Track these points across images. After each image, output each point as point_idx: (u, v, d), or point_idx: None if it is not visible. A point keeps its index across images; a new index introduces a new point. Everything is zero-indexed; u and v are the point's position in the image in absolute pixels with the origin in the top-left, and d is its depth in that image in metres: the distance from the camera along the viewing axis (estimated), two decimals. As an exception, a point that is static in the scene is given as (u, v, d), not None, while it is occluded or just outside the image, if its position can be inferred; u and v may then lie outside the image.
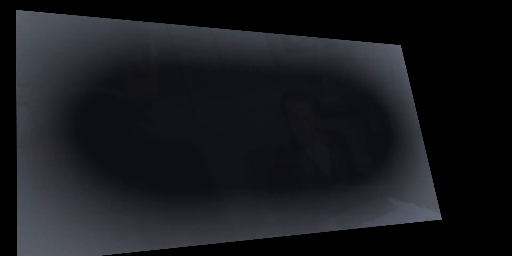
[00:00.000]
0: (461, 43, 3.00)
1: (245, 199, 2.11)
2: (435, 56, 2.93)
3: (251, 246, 2.04)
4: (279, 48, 2.45)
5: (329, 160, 2.38)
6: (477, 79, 2.96)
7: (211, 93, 2.21)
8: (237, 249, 2.01)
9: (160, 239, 1.88)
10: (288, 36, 2.48)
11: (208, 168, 2.08)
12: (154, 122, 2.04)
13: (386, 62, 2.76)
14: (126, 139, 1.94)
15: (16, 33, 1.84)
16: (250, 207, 2.10)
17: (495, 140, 2.85)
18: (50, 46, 1.89)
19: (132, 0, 2.14)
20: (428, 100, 2.79)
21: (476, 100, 2.92)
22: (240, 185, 2.12)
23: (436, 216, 2.55)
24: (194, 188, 2.01)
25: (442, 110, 2.83)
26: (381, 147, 2.57)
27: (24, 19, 1.88)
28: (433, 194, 2.59)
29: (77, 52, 1.94)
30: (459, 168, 2.75)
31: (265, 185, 2.19)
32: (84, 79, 1.92)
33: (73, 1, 2.00)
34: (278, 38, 2.45)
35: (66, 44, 1.93)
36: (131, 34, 2.08)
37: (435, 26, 2.99)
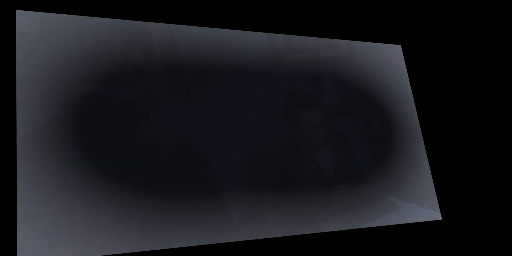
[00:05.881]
0: (461, 43, 3.01)
1: (247, 199, 2.11)
2: (435, 56, 2.93)
3: (253, 246, 2.03)
4: (280, 48, 2.45)
5: (330, 160, 2.38)
6: (477, 79, 2.96)
7: (213, 93, 2.21)
8: (238, 249, 2.01)
9: (161, 239, 1.88)
10: (289, 36, 2.48)
11: (210, 169, 2.08)
12: (155, 123, 2.03)
13: (386, 62, 2.76)
14: (127, 139, 1.94)
15: (16, 33, 1.84)
16: (252, 208, 2.10)
17: (495, 140, 2.85)
18: (50, 46, 1.89)
19: (133, 0, 2.14)
20: (428, 100, 2.79)
21: (476, 100, 2.92)
22: (242, 186, 2.12)
23: (436, 216, 2.55)
24: (196, 188, 2.01)
25: (442, 110, 2.83)
26: (381, 147, 2.57)
27: (24, 19, 1.88)
28: (433, 194, 2.60)
29: (77, 52, 1.93)
30: (459, 168, 2.75)
31: (267, 186, 2.19)
32: (84, 79, 1.92)
33: (73, 1, 2.00)
34: (279, 38, 2.45)
35: (66, 44, 1.92)
36: (132, 34, 2.08)
37: (435, 26, 2.99)
